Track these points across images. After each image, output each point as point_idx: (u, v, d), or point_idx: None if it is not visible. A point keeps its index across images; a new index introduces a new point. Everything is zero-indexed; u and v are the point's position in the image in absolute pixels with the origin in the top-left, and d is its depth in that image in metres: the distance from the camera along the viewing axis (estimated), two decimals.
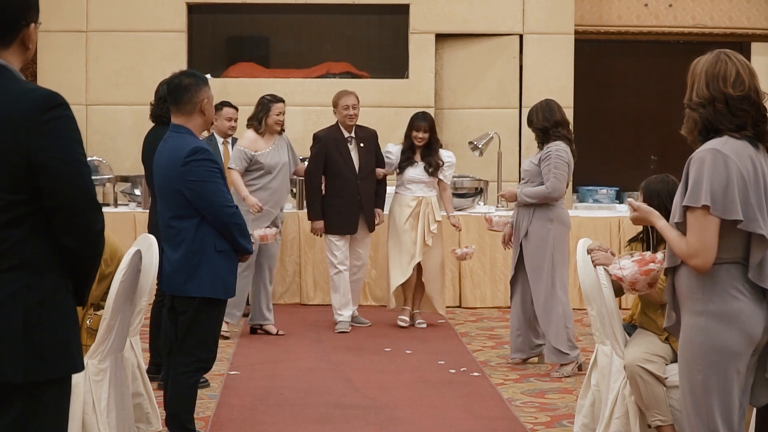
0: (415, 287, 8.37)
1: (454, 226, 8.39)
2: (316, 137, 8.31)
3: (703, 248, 3.39)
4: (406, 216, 8.22)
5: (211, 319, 4.98)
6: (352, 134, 8.26)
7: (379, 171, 8.35)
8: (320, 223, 8.23)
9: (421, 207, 8.23)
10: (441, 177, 8.32)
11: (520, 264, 7.07)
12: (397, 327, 8.37)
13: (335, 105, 8.29)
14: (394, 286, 8.28)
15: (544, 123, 6.94)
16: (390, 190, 8.57)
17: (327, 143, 8.21)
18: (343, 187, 8.20)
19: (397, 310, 8.47)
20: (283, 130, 8.08)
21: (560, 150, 6.89)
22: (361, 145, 8.26)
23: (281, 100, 8.06)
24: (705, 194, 3.37)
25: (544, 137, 6.97)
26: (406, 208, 8.24)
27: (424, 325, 8.38)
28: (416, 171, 8.27)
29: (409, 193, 8.28)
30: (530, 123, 7.07)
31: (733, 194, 3.38)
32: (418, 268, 8.29)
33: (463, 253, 8.13)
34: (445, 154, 8.36)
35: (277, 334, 8.12)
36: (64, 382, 2.91)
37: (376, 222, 8.39)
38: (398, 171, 8.34)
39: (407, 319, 8.39)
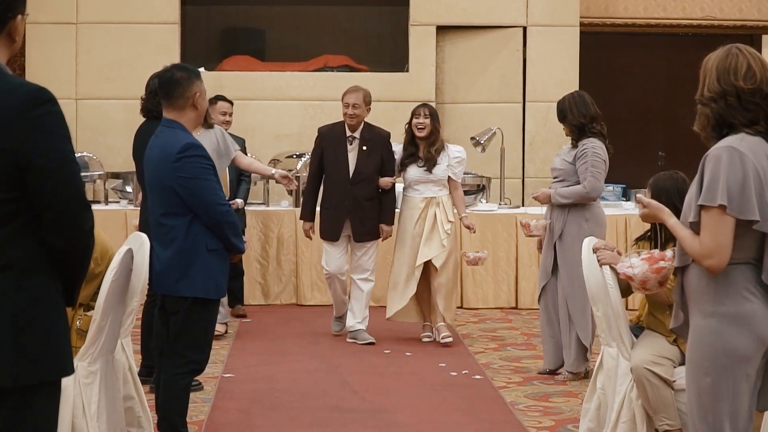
0: (430, 298, 7.87)
1: (468, 227, 7.87)
2: (318, 132, 8.03)
3: (717, 248, 3.38)
4: (415, 219, 7.78)
5: (204, 320, 4.97)
6: (355, 134, 7.84)
7: (385, 180, 7.85)
8: (307, 224, 7.97)
9: (430, 209, 7.79)
10: (451, 175, 7.83)
11: (555, 267, 6.89)
12: (397, 328, 8.35)
13: (342, 100, 7.94)
14: (396, 297, 7.85)
15: (581, 119, 6.78)
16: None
17: (325, 140, 7.92)
18: (333, 190, 7.85)
19: (396, 321, 8.03)
20: (210, 125, 7.35)
21: (596, 147, 6.75)
22: (364, 147, 7.81)
23: None
24: (721, 193, 3.36)
25: (579, 134, 6.81)
26: (415, 211, 7.80)
27: (451, 339, 7.76)
28: (421, 170, 7.83)
29: (417, 195, 7.84)
30: (563, 119, 6.87)
31: (749, 193, 3.37)
32: (429, 274, 7.82)
33: (475, 257, 7.71)
34: (453, 149, 7.90)
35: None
36: (54, 385, 2.91)
37: (382, 238, 7.94)
38: (399, 169, 7.91)
39: (430, 334, 7.94)
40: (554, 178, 7.00)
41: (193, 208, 4.86)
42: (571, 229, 6.82)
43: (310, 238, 8.12)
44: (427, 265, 7.82)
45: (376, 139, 7.88)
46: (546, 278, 6.94)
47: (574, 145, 6.87)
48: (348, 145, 7.85)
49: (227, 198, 8.34)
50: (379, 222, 7.91)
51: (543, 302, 6.99)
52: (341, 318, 8.15)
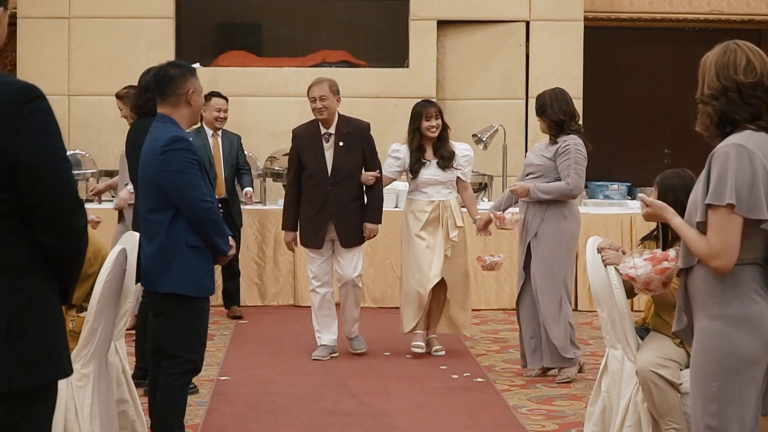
0: (432, 307, 7.60)
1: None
2: (292, 134, 7.56)
3: (725, 249, 3.38)
4: (422, 224, 7.42)
5: (190, 319, 4.96)
6: (331, 130, 7.38)
7: (367, 175, 7.42)
8: (289, 236, 7.53)
9: (438, 212, 7.45)
10: (460, 175, 7.52)
11: (527, 266, 6.91)
12: (396, 330, 8.34)
13: (308, 96, 7.44)
14: (413, 311, 7.51)
15: (561, 115, 6.81)
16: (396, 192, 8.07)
17: (301, 142, 7.43)
18: (312, 193, 7.39)
19: (409, 333, 7.68)
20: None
21: (578, 144, 6.78)
22: (340, 143, 7.36)
23: None
24: (730, 192, 3.36)
25: (557, 130, 6.83)
26: (422, 215, 7.44)
27: (443, 353, 7.57)
28: (430, 171, 7.47)
29: (424, 198, 7.47)
30: (542, 113, 6.87)
31: (758, 192, 3.37)
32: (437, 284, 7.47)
33: (492, 262, 7.36)
34: (460, 147, 7.59)
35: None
36: (50, 387, 2.91)
37: (365, 237, 7.49)
38: (411, 176, 7.53)
39: (422, 344, 7.57)
40: (527, 174, 6.96)
41: (176, 202, 4.86)
42: (549, 225, 6.84)
43: (293, 251, 7.77)
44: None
45: (354, 132, 7.43)
46: (524, 276, 6.97)
47: (553, 141, 6.87)
48: (324, 143, 7.40)
49: (223, 196, 8.45)
50: (363, 220, 7.47)
51: (526, 303, 6.99)
52: (327, 345, 7.57)
